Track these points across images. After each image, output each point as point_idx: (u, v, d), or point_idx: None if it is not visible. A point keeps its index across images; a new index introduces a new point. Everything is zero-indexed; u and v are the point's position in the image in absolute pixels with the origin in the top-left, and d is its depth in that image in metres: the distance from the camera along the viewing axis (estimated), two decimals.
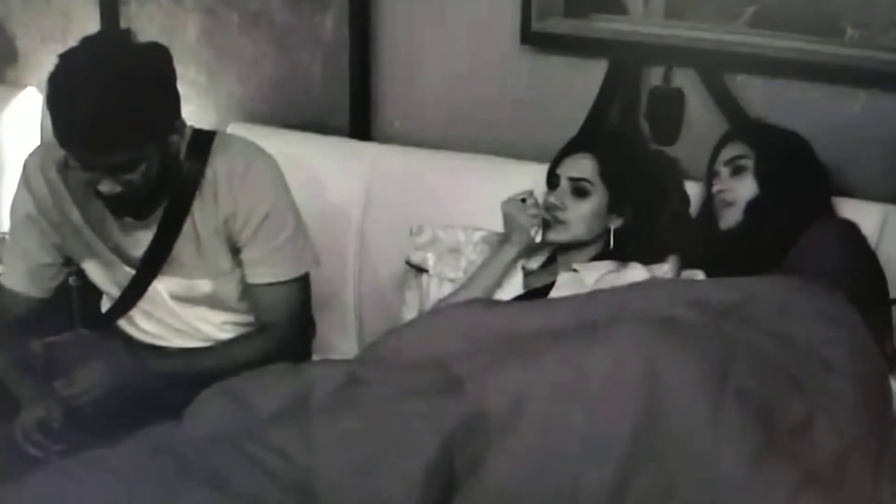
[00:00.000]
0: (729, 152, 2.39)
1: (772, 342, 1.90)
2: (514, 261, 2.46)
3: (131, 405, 2.11)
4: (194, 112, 3.02)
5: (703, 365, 1.78)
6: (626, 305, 2.01)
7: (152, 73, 2.07)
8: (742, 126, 2.49)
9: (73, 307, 2.80)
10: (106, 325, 2.40)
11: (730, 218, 2.37)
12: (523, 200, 2.43)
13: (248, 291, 2.33)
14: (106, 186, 2.08)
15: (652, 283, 2.27)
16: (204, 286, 2.32)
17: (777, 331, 1.93)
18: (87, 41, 2.08)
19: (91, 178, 2.08)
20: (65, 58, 2.04)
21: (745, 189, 2.35)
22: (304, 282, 2.35)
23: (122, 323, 2.40)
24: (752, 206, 2.34)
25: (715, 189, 2.40)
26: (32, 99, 3.29)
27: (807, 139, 2.39)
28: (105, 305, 2.45)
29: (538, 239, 2.46)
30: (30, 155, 2.32)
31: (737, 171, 2.37)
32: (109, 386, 2.11)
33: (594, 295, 2.14)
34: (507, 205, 2.45)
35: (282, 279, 2.30)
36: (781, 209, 2.30)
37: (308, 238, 2.35)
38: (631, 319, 1.90)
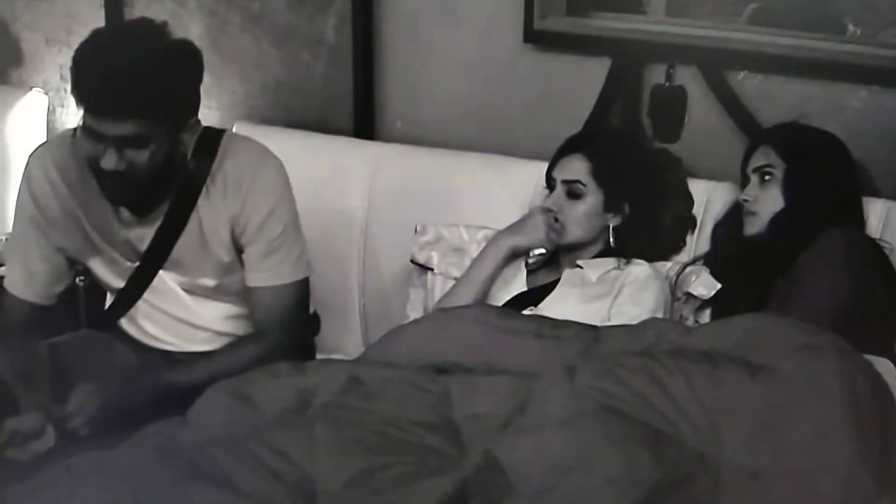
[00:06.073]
0: (758, 159, 2.35)
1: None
2: (508, 256, 2.48)
3: (126, 415, 2.11)
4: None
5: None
6: (593, 350, 1.97)
7: (182, 60, 2.12)
8: (773, 130, 2.43)
9: (81, 308, 2.81)
10: (110, 321, 2.39)
11: (754, 226, 2.35)
12: (549, 210, 2.45)
13: (246, 294, 2.33)
14: (109, 162, 2.06)
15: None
16: (207, 283, 2.32)
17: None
18: (125, 23, 2.20)
19: (96, 151, 2.07)
20: (98, 30, 2.17)
21: (771, 201, 2.32)
22: (300, 287, 2.33)
23: (125, 324, 2.39)
24: (777, 220, 2.31)
25: (742, 196, 2.38)
26: (37, 100, 3.30)
27: (843, 141, 2.35)
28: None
29: (535, 252, 2.48)
30: (31, 155, 2.31)
31: (764, 180, 2.34)
32: (103, 406, 2.11)
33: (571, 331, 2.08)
34: (536, 207, 2.48)
35: (278, 283, 2.29)
36: (807, 222, 2.26)
37: (305, 244, 2.35)
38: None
